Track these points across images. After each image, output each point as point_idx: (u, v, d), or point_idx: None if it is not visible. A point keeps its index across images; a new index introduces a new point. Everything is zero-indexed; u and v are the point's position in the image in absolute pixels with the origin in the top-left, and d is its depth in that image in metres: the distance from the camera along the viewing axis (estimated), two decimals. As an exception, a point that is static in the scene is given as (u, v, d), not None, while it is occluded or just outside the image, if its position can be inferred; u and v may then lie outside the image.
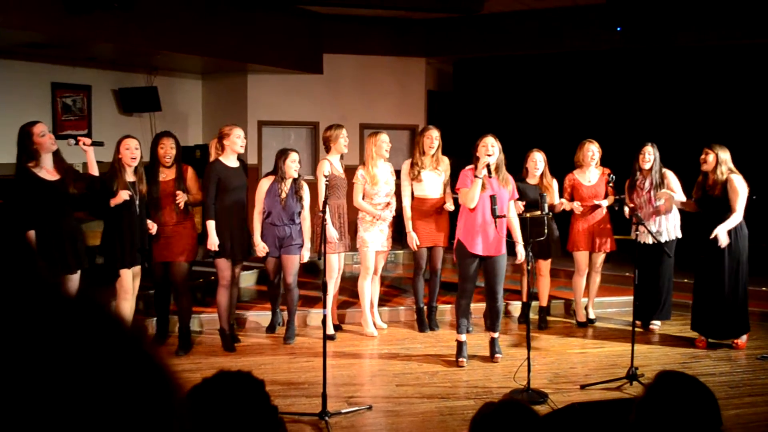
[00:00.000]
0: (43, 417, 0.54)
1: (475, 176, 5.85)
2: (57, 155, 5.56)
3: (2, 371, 0.54)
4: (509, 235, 6.22)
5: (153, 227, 6.06)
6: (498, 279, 6.06)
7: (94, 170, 5.70)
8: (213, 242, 6.29)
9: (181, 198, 6.21)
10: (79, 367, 0.57)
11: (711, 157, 6.49)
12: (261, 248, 6.60)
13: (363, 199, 6.93)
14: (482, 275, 6.12)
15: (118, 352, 0.61)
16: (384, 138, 6.95)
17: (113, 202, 5.75)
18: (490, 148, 5.90)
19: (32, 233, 5.35)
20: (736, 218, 6.39)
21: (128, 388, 0.59)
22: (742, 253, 6.47)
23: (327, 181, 5.88)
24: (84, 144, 5.68)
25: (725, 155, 6.48)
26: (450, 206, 6.99)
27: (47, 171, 5.46)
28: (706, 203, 6.54)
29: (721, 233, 6.35)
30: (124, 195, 5.76)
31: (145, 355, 0.64)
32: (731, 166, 6.49)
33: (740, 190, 6.39)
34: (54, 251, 5.39)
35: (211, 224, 6.29)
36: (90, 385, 0.56)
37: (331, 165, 6.82)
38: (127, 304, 5.96)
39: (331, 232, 6.54)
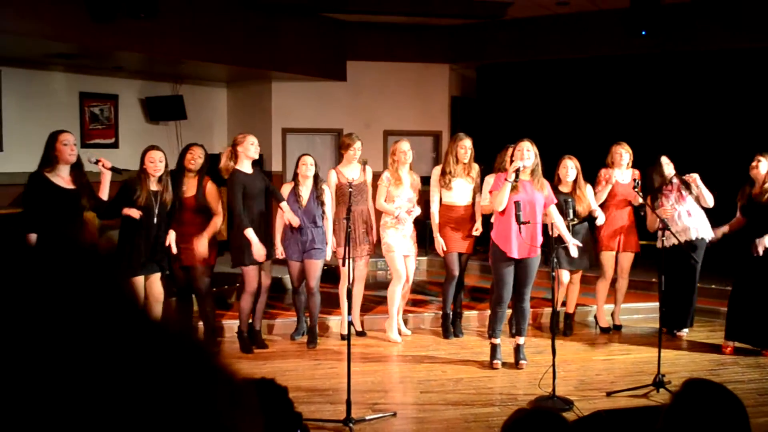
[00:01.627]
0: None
1: (506, 180, 5.84)
2: (77, 168, 5.61)
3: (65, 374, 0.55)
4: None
5: (170, 238, 6.04)
6: (528, 281, 6.09)
7: (105, 194, 5.73)
8: (259, 251, 6.33)
9: (202, 248, 6.26)
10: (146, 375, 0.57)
11: (763, 165, 6.40)
12: (279, 252, 6.70)
13: (385, 201, 6.96)
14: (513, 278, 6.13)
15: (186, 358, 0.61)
16: (402, 147, 6.96)
17: (125, 211, 5.80)
18: (525, 152, 5.89)
19: (33, 236, 5.34)
20: None
21: (201, 393, 0.59)
22: None
23: (350, 189, 5.90)
24: (104, 166, 5.73)
25: None
26: (478, 230, 6.97)
27: (62, 179, 5.51)
28: (751, 211, 6.42)
29: (763, 245, 6.25)
30: (134, 214, 5.79)
31: (207, 358, 0.64)
32: None
33: None
34: None
35: (250, 232, 6.32)
36: (165, 395, 0.57)
37: (338, 174, 6.90)
38: None
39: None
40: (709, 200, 6.81)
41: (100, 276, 0.63)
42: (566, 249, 6.37)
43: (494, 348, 6.25)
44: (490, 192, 6.14)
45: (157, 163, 5.95)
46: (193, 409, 0.58)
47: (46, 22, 7.17)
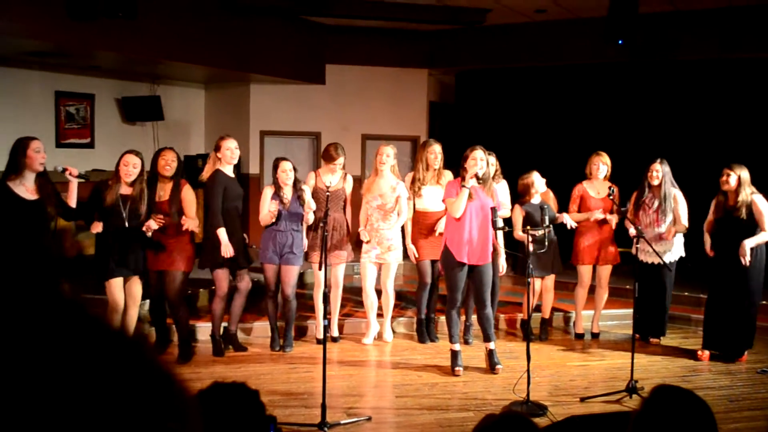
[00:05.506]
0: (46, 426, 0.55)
1: (463, 186, 5.89)
2: (43, 176, 5.54)
3: (6, 381, 0.55)
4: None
5: (148, 229, 5.94)
6: (485, 287, 6.12)
7: (73, 202, 5.71)
8: (227, 249, 6.30)
9: (191, 225, 6.20)
10: (80, 377, 0.58)
11: (733, 179, 6.44)
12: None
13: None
14: (470, 285, 6.17)
15: (120, 361, 0.62)
16: (386, 150, 6.99)
17: (92, 229, 5.83)
18: (479, 161, 5.96)
19: None
20: (766, 236, 6.38)
21: (132, 397, 0.60)
22: (759, 272, 6.47)
23: (327, 193, 5.88)
24: (70, 174, 5.70)
25: (746, 175, 6.45)
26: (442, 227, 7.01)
27: (27, 189, 5.43)
28: (727, 224, 6.48)
29: (748, 247, 6.32)
30: (95, 229, 5.82)
31: (147, 363, 0.64)
32: (752, 186, 6.47)
33: (765, 210, 6.38)
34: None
35: (221, 231, 6.31)
36: (93, 395, 0.57)
37: (317, 177, 6.91)
38: (116, 316, 5.93)
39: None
40: (683, 221, 6.87)
41: (43, 284, 0.63)
42: (538, 255, 6.44)
43: (454, 354, 6.25)
44: (443, 201, 6.16)
45: (130, 168, 5.88)
46: (129, 415, 0.58)
47: (22, 19, 7.08)
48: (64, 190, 5.86)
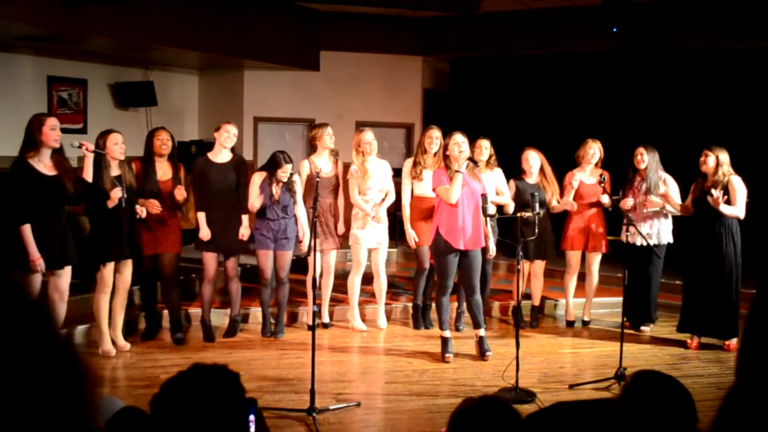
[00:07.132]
0: None
1: (456, 171, 5.90)
2: (59, 153, 5.56)
3: None
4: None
5: (142, 211, 6.04)
6: (475, 273, 6.14)
7: (89, 176, 5.67)
8: (204, 233, 6.44)
9: (180, 194, 6.26)
10: None
11: (711, 159, 6.50)
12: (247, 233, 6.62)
13: (358, 195, 6.94)
14: (459, 271, 6.20)
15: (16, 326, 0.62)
16: (366, 138, 6.95)
17: (111, 204, 5.76)
18: (462, 145, 5.99)
19: (27, 227, 5.33)
20: (738, 210, 6.42)
21: (26, 361, 0.60)
22: (737, 255, 6.49)
23: (317, 179, 5.85)
24: (87, 149, 5.70)
25: (725, 157, 6.50)
26: None
27: (45, 165, 5.45)
28: (704, 204, 6.52)
29: (723, 206, 6.34)
30: (116, 193, 5.76)
31: (45, 331, 0.64)
32: (731, 168, 6.51)
33: (741, 188, 6.46)
34: (41, 246, 5.37)
35: (200, 215, 6.48)
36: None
37: (311, 164, 6.89)
38: (105, 297, 5.99)
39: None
40: (676, 205, 6.90)
41: None
42: (531, 243, 6.48)
43: (444, 341, 6.27)
44: (434, 189, 6.16)
45: (121, 145, 5.94)
46: (21, 376, 0.58)
47: (15, 4, 7.04)
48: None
